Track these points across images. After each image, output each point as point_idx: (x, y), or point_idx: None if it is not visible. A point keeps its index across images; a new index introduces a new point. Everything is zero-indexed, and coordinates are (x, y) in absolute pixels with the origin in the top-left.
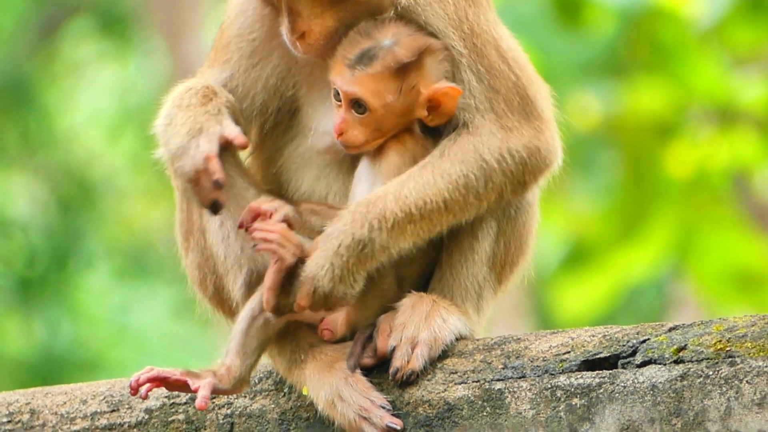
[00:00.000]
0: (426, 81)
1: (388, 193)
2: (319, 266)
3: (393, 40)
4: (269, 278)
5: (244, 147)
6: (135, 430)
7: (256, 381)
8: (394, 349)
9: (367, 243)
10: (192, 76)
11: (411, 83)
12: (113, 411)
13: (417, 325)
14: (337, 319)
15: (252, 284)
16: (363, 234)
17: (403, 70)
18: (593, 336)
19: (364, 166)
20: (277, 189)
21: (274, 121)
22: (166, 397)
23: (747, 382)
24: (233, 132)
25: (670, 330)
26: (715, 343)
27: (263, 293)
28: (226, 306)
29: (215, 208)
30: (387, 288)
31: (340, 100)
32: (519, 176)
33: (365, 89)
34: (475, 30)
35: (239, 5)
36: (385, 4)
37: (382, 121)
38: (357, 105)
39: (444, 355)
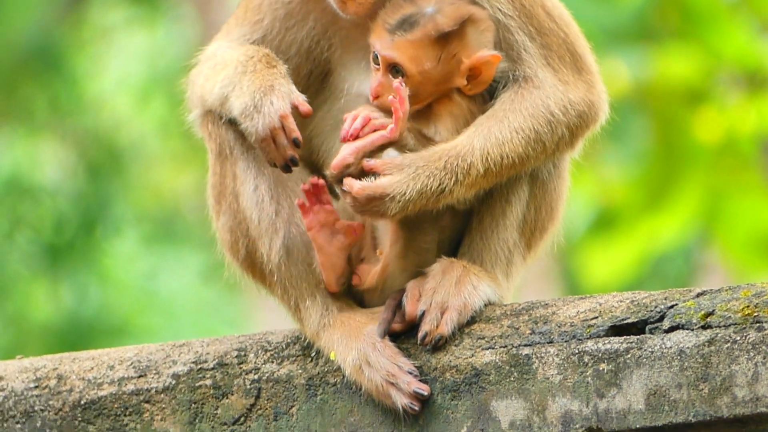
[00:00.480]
0: (467, 50)
1: (474, 148)
2: (399, 189)
3: (436, 8)
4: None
5: (307, 116)
6: (162, 395)
7: (284, 346)
8: (423, 314)
9: (447, 192)
10: (216, 32)
11: (451, 52)
12: (140, 376)
13: (447, 291)
14: (370, 270)
15: (290, 248)
16: (448, 184)
17: (444, 39)
18: (621, 301)
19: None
20: (308, 154)
21: (305, 84)
22: (193, 362)
23: None
24: (300, 97)
25: (697, 295)
26: (742, 309)
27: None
28: (257, 270)
29: (290, 166)
30: (426, 248)
31: (378, 64)
32: (576, 129)
33: (403, 55)
34: None
35: None
36: None
37: (419, 87)
38: (395, 70)
39: (472, 320)
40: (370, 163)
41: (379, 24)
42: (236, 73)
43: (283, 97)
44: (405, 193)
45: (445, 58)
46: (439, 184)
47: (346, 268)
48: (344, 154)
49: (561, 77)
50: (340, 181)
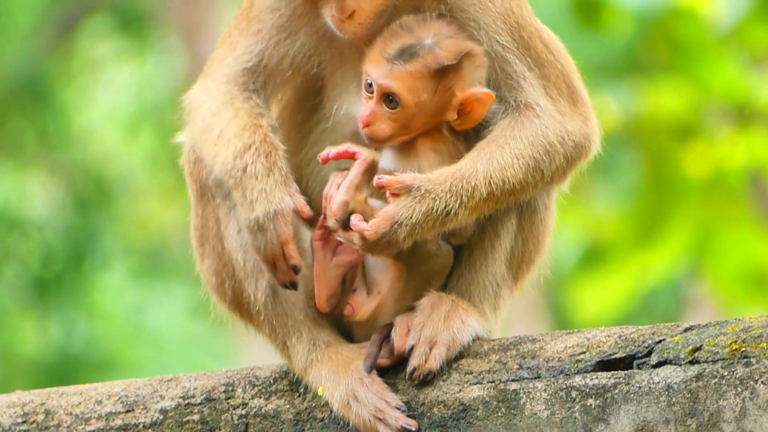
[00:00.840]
0: (462, 85)
1: (478, 172)
2: (405, 213)
3: (435, 40)
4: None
5: (309, 219)
6: (150, 430)
7: (271, 381)
8: (412, 348)
9: (452, 215)
10: (221, 36)
11: (447, 85)
12: (128, 411)
13: (436, 326)
14: (365, 303)
15: (276, 288)
16: (453, 206)
17: (441, 72)
18: (608, 336)
19: (388, 160)
20: (299, 174)
21: (298, 100)
22: (181, 397)
23: (762, 382)
24: (300, 203)
25: (685, 330)
26: (730, 344)
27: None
28: (244, 310)
29: (290, 286)
30: (425, 288)
31: (371, 92)
32: (572, 160)
33: (401, 85)
34: (520, 22)
35: None
36: None
37: (412, 119)
38: (389, 99)
39: (459, 355)
40: (381, 180)
41: (376, 52)
42: (235, 166)
43: (285, 221)
44: (411, 217)
45: (441, 91)
46: (445, 206)
47: (339, 289)
48: (338, 198)
49: (559, 108)
50: (345, 225)
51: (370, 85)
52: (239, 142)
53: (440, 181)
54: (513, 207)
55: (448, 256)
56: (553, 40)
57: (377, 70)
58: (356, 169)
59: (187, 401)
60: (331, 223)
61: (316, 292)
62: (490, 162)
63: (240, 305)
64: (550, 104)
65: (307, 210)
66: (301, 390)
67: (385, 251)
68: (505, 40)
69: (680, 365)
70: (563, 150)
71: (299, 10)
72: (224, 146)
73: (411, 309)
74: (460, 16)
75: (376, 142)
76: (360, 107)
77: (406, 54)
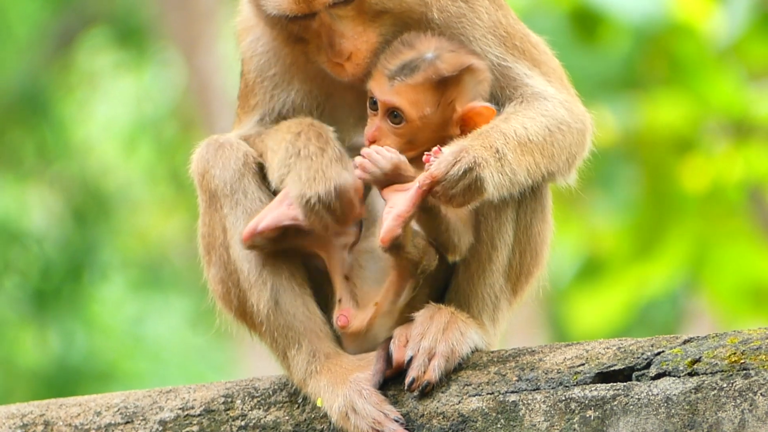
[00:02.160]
0: (463, 98)
1: (500, 128)
2: (480, 156)
3: (436, 54)
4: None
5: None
6: None
7: (270, 393)
8: (410, 359)
9: (501, 154)
10: (231, 123)
11: (449, 98)
12: (127, 423)
13: (435, 337)
14: (358, 314)
15: (278, 299)
16: (501, 146)
17: (443, 84)
18: (608, 348)
19: None
20: None
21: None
22: (180, 409)
23: (761, 394)
24: (358, 182)
25: (684, 342)
26: (729, 356)
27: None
28: (249, 319)
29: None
30: (423, 300)
31: (375, 109)
32: (579, 143)
33: (404, 99)
34: (509, 31)
35: (250, 47)
36: (417, 17)
37: (417, 134)
38: (393, 115)
39: (458, 367)
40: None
41: (379, 70)
42: (289, 153)
43: (347, 196)
44: (470, 156)
45: (443, 104)
46: (492, 146)
47: (273, 234)
48: (389, 226)
49: (564, 96)
50: (396, 248)
51: (374, 102)
52: (288, 134)
53: (473, 137)
54: (509, 219)
55: (430, 253)
56: (540, 41)
57: (380, 87)
58: (409, 199)
59: (186, 413)
60: (381, 246)
61: (250, 224)
62: (507, 123)
63: (245, 314)
64: (555, 92)
65: (362, 190)
66: (300, 401)
67: (465, 197)
68: (499, 51)
69: (679, 377)
70: (575, 126)
71: (289, 60)
72: (277, 150)
73: (409, 320)
74: (450, 35)
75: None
76: (362, 138)
77: (408, 69)
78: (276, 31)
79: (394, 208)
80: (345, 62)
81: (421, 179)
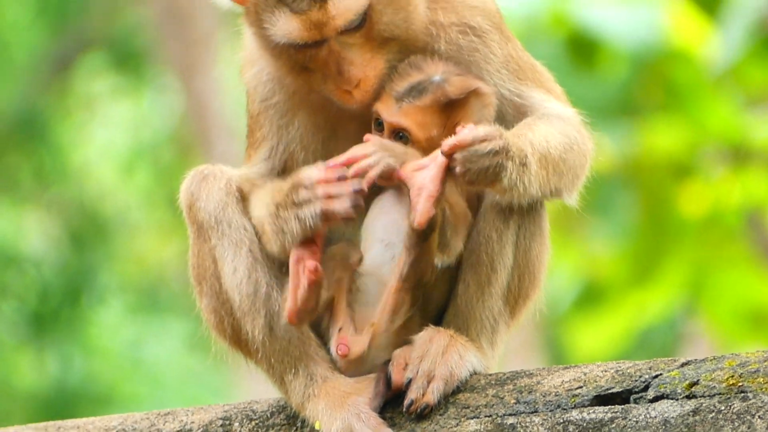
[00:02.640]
0: (468, 121)
1: (522, 136)
2: (513, 148)
3: (443, 77)
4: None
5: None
6: None
7: (268, 415)
8: (409, 382)
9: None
10: (242, 156)
11: (454, 121)
12: None
13: (434, 360)
14: (357, 340)
15: (272, 326)
16: (525, 147)
17: (449, 107)
18: (605, 371)
19: (390, 201)
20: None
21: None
22: (178, 431)
23: (759, 417)
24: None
25: (682, 365)
26: (727, 379)
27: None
28: (244, 346)
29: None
30: (414, 325)
31: (381, 131)
32: (582, 165)
33: (412, 121)
34: (520, 64)
35: (254, 78)
36: (422, 45)
37: (423, 155)
38: (399, 136)
39: (457, 389)
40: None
41: (386, 92)
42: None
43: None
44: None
45: (449, 127)
46: (522, 150)
47: (313, 306)
48: (424, 207)
49: (579, 119)
50: (431, 228)
51: (380, 123)
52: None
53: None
54: (510, 242)
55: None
56: (544, 69)
57: (387, 108)
58: (433, 179)
59: None
60: (415, 225)
61: (288, 304)
62: (534, 133)
63: (239, 342)
64: (573, 114)
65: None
66: (299, 424)
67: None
68: (513, 85)
69: (677, 400)
70: (583, 148)
71: (292, 89)
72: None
73: (408, 343)
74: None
75: (388, 181)
76: None
77: (416, 91)
78: (281, 61)
79: (422, 189)
80: (353, 89)
81: (445, 145)
